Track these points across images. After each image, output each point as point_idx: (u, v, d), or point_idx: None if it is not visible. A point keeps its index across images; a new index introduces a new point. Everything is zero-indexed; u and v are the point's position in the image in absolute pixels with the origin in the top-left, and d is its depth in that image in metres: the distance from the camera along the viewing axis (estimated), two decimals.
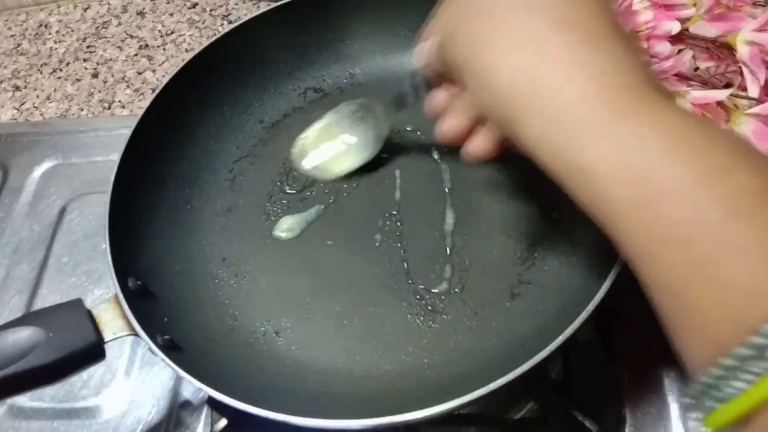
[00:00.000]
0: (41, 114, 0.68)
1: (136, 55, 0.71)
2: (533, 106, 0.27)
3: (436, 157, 0.49)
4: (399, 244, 0.45)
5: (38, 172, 0.61)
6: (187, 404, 0.45)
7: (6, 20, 0.79)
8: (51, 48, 0.75)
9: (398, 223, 0.46)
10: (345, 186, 0.48)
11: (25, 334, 0.34)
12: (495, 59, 0.28)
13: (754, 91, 0.41)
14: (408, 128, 0.51)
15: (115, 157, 0.44)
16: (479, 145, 0.34)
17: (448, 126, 0.34)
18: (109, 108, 0.67)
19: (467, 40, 0.30)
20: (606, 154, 0.24)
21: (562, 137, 0.26)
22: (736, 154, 0.23)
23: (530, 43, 0.27)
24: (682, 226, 0.22)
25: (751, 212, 0.21)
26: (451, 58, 0.31)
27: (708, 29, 0.57)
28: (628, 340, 0.43)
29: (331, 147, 0.49)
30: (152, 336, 0.36)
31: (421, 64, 0.36)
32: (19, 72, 0.73)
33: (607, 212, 0.25)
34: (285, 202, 0.48)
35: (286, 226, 0.47)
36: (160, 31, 0.73)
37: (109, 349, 0.37)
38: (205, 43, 0.50)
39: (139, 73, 0.69)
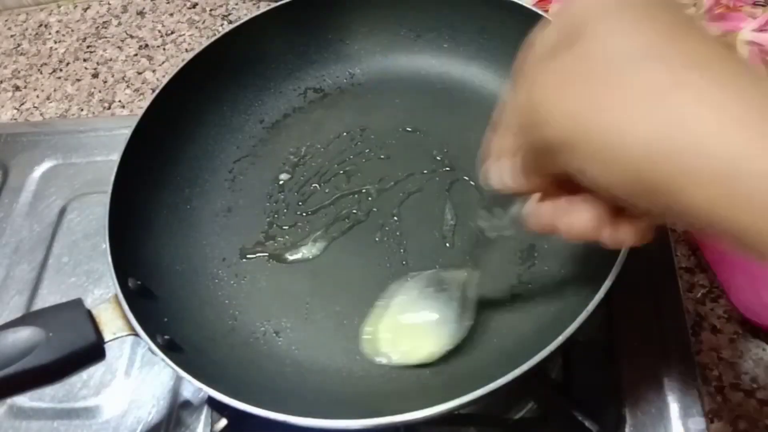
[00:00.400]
0: (41, 114, 0.68)
1: (136, 55, 0.71)
2: (686, 169, 0.22)
3: (436, 157, 0.49)
4: (399, 244, 0.45)
5: (38, 172, 0.61)
6: (187, 404, 0.45)
7: (6, 20, 0.79)
8: (51, 48, 0.75)
9: (398, 223, 0.46)
10: (345, 186, 0.48)
11: (25, 334, 0.34)
12: (618, 123, 0.22)
13: None
14: (408, 128, 0.51)
15: (115, 157, 0.44)
16: (628, 237, 0.27)
17: (577, 229, 0.27)
18: (109, 108, 0.67)
19: (569, 111, 0.23)
20: (744, 208, 0.21)
21: (741, 193, 0.21)
22: None
23: (658, 94, 0.22)
24: None
25: None
26: (548, 145, 0.24)
27: (708, 29, 0.57)
28: (628, 340, 0.43)
29: (408, 331, 0.41)
30: (152, 336, 0.36)
31: (497, 185, 0.30)
32: (19, 72, 0.73)
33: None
34: (285, 203, 0.48)
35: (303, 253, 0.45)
36: (160, 31, 0.73)
37: (109, 349, 0.37)
38: (205, 43, 0.50)
39: (139, 73, 0.69)
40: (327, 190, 0.48)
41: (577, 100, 0.23)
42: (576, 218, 0.27)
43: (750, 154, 0.21)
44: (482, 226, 0.37)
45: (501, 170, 0.29)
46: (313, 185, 0.49)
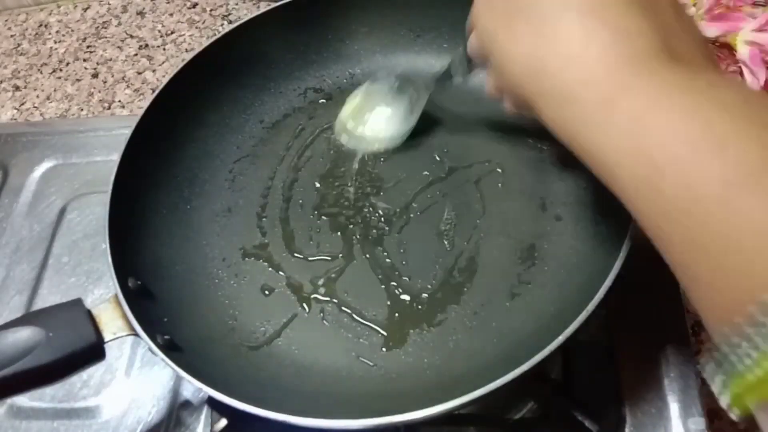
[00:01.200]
0: (41, 114, 0.68)
1: (136, 55, 0.71)
2: (543, 90, 0.27)
3: (436, 157, 0.49)
4: (399, 244, 0.45)
5: (38, 172, 0.61)
6: (187, 404, 0.45)
7: (6, 20, 0.79)
8: (51, 48, 0.75)
9: (398, 223, 0.46)
10: (347, 191, 0.48)
11: (24, 334, 0.34)
12: (509, 46, 0.29)
13: None
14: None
15: (115, 157, 0.44)
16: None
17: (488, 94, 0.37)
18: (109, 108, 0.67)
19: (489, 29, 0.31)
20: (610, 136, 0.25)
21: (571, 120, 0.26)
22: (740, 121, 0.22)
23: (541, 27, 0.27)
24: (681, 200, 0.22)
25: (748, 181, 0.21)
26: (478, 45, 0.34)
27: (708, 29, 0.57)
28: (628, 340, 0.43)
29: (369, 119, 0.49)
30: (152, 336, 0.36)
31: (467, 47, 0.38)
32: (19, 72, 0.73)
33: (619, 192, 0.25)
34: (285, 203, 0.48)
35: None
36: (160, 31, 0.73)
37: (109, 349, 0.37)
38: (205, 43, 0.50)
39: (139, 73, 0.69)
40: (326, 191, 0.48)
41: (497, 22, 0.30)
42: (488, 88, 0.36)
43: (593, 80, 0.25)
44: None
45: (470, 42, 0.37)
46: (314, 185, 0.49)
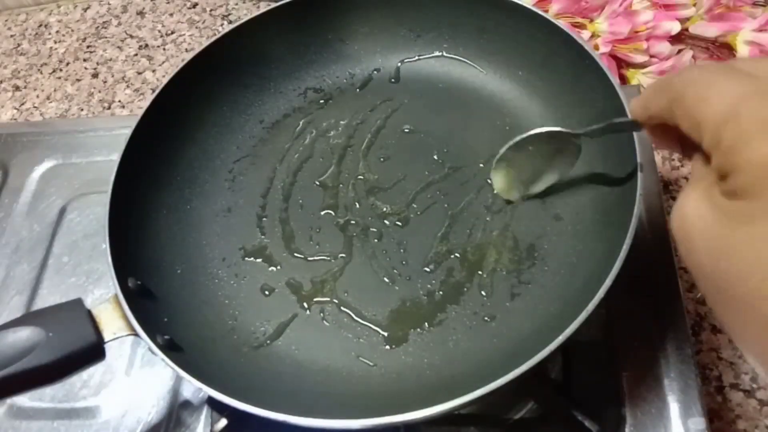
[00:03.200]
0: (41, 114, 0.68)
1: (136, 55, 0.71)
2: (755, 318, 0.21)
3: (436, 157, 0.49)
4: (399, 244, 0.45)
5: (38, 172, 0.61)
6: (187, 404, 0.45)
7: (6, 20, 0.79)
8: (51, 48, 0.75)
9: (398, 223, 0.46)
10: (346, 191, 0.48)
11: (24, 334, 0.34)
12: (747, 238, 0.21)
13: None
14: (406, 129, 0.51)
15: (115, 157, 0.44)
16: None
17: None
18: (109, 108, 0.67)
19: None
20: None
21: None
22: None
23: None
24: None
25: None
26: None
27: (708, 29, 0.57)
28: (628, 340, 0.43)
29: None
30: (152, 336, 0.36)
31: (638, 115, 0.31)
32: (19, 72, 0.73)
33: None
34: (285, 203, 0.48)
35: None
36: (160, 31, 0.73)
37: (109, 350, 0.37)
38: (205, 43, 0.50)
39: (139, 73, 0.69)
40: (326, 191, 0.48)
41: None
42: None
43: None
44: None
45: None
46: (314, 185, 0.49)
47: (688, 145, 0.27)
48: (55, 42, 0.75)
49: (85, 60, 0.72)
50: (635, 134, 0.38)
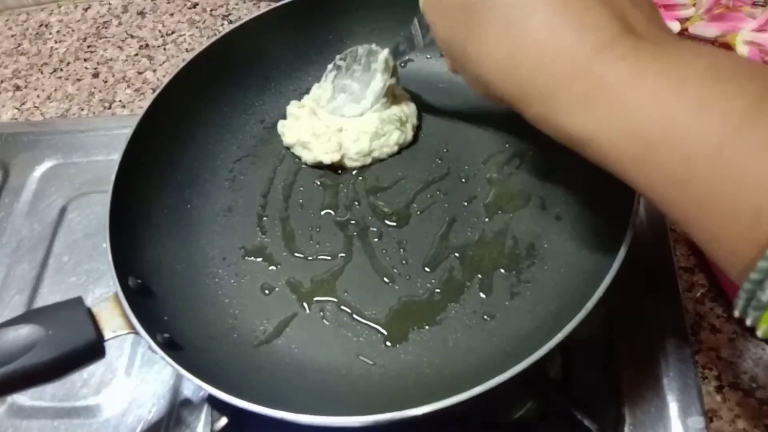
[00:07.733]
0: (42, 114, 0.68)
1: (136, 55, 0.72)
2: (520, 91, 0.28)
3: (436, 157, 0.49)
4: (399, 243, 0.45)
5: (39, 171, 0.61)
6: (187, 403, 0.45)
7: (6, 20, 0.79)
8: (51, 48, 0.75)
9: (398, 223, 0.46)
10: (346, 191, 0.48)
11: (25, 332, 0.34)
12: (478, 48, 0.29)
13: None
14: None
15: (116, 157, 0.44)
16: None
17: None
18: (110, 108, 0.67)
19: (449, 34, 0.32)
20: (598, 124, 0.25)
21: (554, 116, 0.27)
22: (712, 82, 0.23)
23: (507, 30, 0.28)
24: (682, 169, 0.23)
25: (737, 133, 0.22)
26: (437, 38, 0.34)
27: (708, 29, 0.57)
28: (628, 340, 0.43)
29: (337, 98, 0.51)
30: (152, 334, 0.36)
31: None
32: (19, 72, 0.73)
33: (618, 171, 0.26)
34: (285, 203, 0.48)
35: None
36: (160, 31, 0.73)
37: (110, 348, 0.37)
38: (206, 43, 0.50)
39: (140, 73, 0.69)
40: (326, 190, 0.48)
41: (461, 22, 0.30)
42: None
43: (568, 77, 0.25)
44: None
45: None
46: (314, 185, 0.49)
47: None
48: (56, 42, 0.75)
49: (85, 60, 0.72)
50: None
